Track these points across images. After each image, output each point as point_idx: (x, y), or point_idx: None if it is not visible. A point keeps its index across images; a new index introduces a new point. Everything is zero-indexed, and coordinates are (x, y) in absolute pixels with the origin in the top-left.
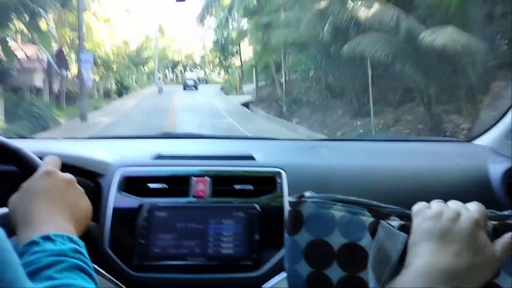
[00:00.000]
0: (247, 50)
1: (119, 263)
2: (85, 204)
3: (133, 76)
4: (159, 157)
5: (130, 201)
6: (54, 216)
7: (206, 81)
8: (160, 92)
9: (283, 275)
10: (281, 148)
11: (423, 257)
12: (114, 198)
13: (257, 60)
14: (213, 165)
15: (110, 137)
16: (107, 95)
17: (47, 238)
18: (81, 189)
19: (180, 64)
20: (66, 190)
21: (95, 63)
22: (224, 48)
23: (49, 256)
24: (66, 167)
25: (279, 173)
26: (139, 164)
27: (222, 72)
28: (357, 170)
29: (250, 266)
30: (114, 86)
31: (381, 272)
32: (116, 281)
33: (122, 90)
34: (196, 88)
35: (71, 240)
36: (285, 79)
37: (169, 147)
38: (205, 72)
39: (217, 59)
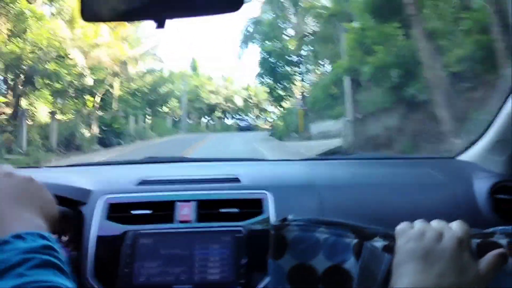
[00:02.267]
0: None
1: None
2: (49, 197)
3: (148, 119)
4: (143, 182)
5: (114, 228)
6: (22, 214)
7: (249, 128)
8: None
9: None
10: (267, 170)
11: (408, 278)
12: (97, 226)
13: (357, 54)
14: (198, 189)
15: (92, 164)
16: (67, 144)
17: (17, 236)
18: (41, 183)
19: (218, 108)
20: (28, 187)
21: (30, 82)
22: (275, 70)
23: (20, 254)
24: None
25: (265, 195)
26: (123, 190)
27: (269, 117)
28: (344, 189)
29: None
30: (96, 131)
31: None
32: None
33: (110, 138)
34: (250, 130)
35: (42, 236)
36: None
37: (153, 172)
38: (247, 118)
39: (265, 90)
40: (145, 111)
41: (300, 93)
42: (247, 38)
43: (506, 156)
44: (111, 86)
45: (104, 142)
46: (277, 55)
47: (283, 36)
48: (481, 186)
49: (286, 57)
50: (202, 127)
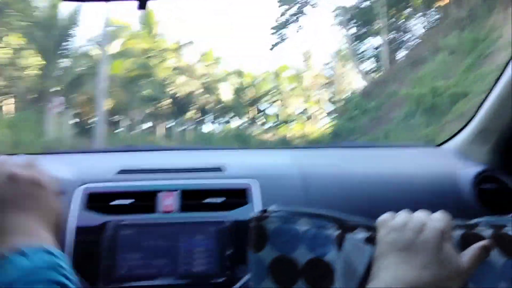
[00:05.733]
0: None
1: (82, 287)
2: (56, 203)
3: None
4: (123, 171)
5: (93, 219)
6: (26, 224)
7: None
8: None
9: None
10: (253, 158)
11: (389, 270)
12: (75, 217)
13: None
14: (181, 178)
15: (70, 152)
16: None
17: (20, 253)
18: (47, 185)
19: (191, 102)
20: (34, 193)
21: None
22: None
23: (23, 274)
24: None
25: (250, 184)
26: (102, 179)
27: (271, 121)
28: (329, 178)
29: (223, 283)
30: None
31: (348, 286)
32: None
33: None
34: None
35: (48, 252)
36: None
37: (133, 160)
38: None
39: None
40: None
41: None
42: None
43: (490, 146)
44: None
45: None
46: None
47: None
48: (465, 175)
49: None
50: (157, 137)
